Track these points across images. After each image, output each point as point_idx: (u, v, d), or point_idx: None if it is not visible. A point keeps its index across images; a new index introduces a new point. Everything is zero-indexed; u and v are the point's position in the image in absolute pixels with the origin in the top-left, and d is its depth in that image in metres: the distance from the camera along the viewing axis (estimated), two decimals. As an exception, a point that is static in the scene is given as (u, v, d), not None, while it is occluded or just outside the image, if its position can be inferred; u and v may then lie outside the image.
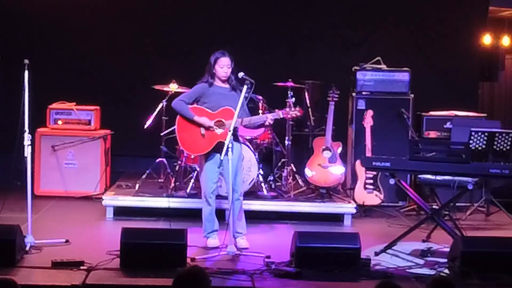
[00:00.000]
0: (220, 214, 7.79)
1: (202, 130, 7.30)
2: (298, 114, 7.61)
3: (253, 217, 8.00)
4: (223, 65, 7.30)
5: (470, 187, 7.39)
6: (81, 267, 6.32)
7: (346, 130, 9.87)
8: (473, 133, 8.56)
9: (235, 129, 7.13)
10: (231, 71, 7.32)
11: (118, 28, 10.43)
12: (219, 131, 7.23)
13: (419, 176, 8.07)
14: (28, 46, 9.91)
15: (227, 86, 7.35)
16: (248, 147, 8.48)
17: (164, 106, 8.99)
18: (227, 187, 7.30)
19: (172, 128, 8.93)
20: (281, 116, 7.55)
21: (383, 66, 9.75)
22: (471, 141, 8.51)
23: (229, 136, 6.98)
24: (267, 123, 7.49)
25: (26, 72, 6.94)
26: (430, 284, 4.39)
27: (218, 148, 7.16)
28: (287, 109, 7.61)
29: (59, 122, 9.71)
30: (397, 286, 4.30)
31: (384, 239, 7.44)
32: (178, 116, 7.43)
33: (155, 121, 9.03)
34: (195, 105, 7.36)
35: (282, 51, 10.56)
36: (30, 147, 6.93)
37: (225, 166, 7.06)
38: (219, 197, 7.71)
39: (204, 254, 6.96)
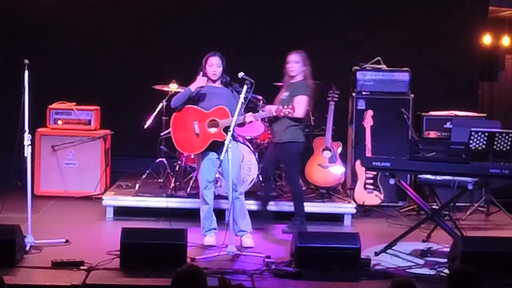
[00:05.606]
0: (220, 214, 7.82)
1: (197, 130, 7.31)
2: (291, 112, 7.46)
3: (253, 217, 7.99)
4: (212, 64, 7.37)
5: (470, 187, 7.39)
6: (81, 267, 6.32)
7: (346, 130, 9.87)
8: (473, 133, 8.57)
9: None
10: (221, 70, 7.36)
11: (118, 28, 10.43)
12: (213, 130, 7.24)
13: (419, 176, 8.06)
14: (28, 46, 9.91)
15: (219, 85, 7.40)
16: (248, 147, 8.49)
17: (164, 106, 8.99)
18: (227, 187, 7.30)
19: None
20: (274, 114, 7.52)
21: (383, 66, 9.75)
22: (471, 141, 8.52)
23: (229, 136, 6.99)
24: (247, 121, 7.27)
25: (26, 72, 6.94)
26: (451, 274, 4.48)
27: (213, 147, 7.22)
28: (280, 107, 7.49)
29: (59, 122, 9.71)
30: (412, 285, 4.31)
31: (384, 239, 7.43)
32: (172, 116, 7.47)
33: (155, 121, 9.03)
34: (189, 105, 7.38)
35: (282, 51, 10.49)
36: (30, 147, 6.93)
37: (225, 166, 7.09)
38: (219, 197, 7.73)
39: (204, 254, 6.96)
